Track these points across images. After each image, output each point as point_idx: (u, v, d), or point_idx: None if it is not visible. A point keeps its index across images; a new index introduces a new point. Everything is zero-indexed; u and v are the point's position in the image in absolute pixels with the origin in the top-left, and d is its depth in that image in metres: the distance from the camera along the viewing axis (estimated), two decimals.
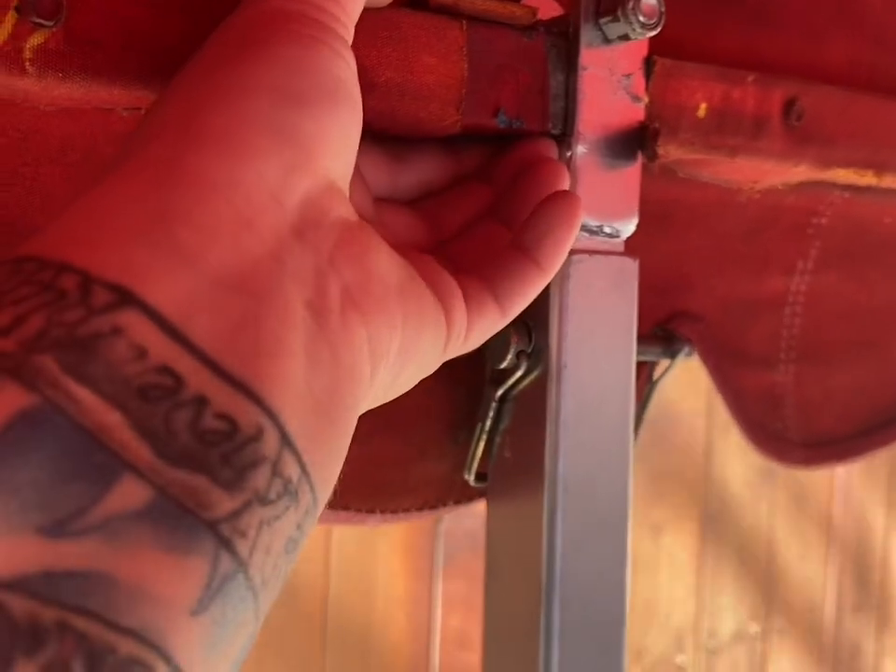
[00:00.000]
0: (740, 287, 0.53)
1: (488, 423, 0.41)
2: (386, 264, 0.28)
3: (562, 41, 0.38)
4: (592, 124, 0.39)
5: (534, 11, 0.37)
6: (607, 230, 0.40)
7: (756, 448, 0.55)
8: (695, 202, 0.49)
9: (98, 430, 0.20)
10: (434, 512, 0.43)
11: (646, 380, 0.46)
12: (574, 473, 0.40)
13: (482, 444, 0.42)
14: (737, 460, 1.56)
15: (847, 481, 1.72)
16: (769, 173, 0.46)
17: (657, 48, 0.40)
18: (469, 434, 0.43)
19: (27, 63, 0.27)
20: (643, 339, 0.44)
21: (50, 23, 0.27)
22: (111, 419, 0.20)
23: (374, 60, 0.33)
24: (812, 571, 1.70)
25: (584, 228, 0.39)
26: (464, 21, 0.35)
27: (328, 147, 0.27)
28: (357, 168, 0.32)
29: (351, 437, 0.27)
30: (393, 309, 0.28)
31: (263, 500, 0.22)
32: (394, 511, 0.42)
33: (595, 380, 0.40)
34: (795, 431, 0.57)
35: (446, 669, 1.30)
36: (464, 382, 0.43)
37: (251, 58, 0.27)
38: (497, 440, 0.42)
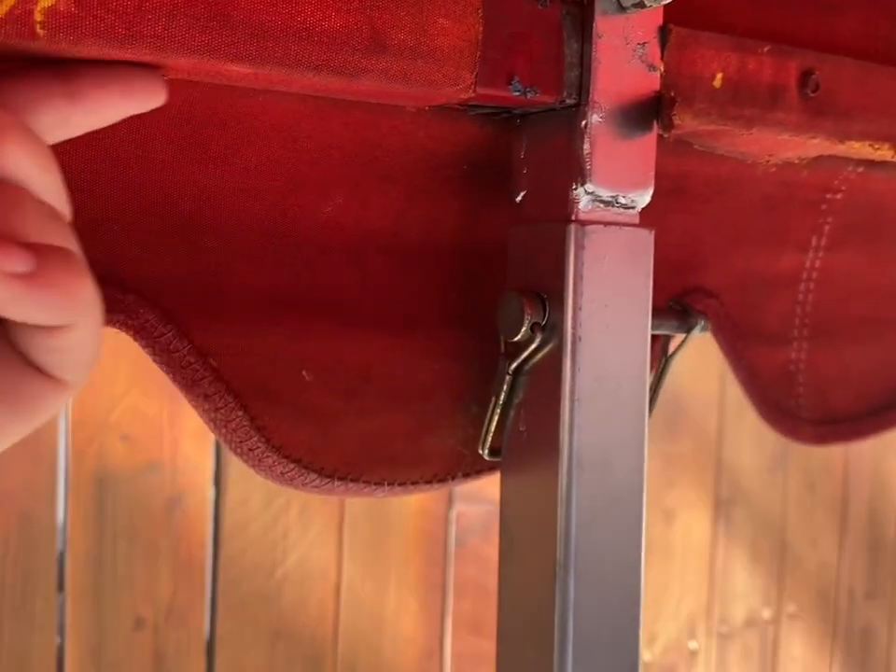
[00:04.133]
0: (755, 264, 0.53)
1: (502, 397, 0.41)
2: None
3: (577, 9, 0.38)
4: (607, 93, 0.38)
5: None
6: (622, 200, 0.40)
7: (769, 425, 0.55)
8: (711, 175, 0.49)
9: None
10: (443, 485, 0.43)
11: (660, 354, 0.46)
12: (589, 448, 0.39)
13: (495, 418, 0.41)
14: (750, 446, 1.56)
15: (860, 466, 1.71)
16: (785, 145, 0.45)
17: (672, 17, 0.40)
18: (480, 408, 0.42)
19: (38, 27, 0.27)
20: (658, 312, 0.44)
21: None
22: None
23: (387, 22, 0.33)
24: (825, 557, 1.69)
25: (599, 199, 0.39)
26: None
27: None
28: None
29: None
30: None
31: None
32: (402, 484, 0.41)
33: (610, 353, 0.40)
34: (808, 409, 0.56)
35: (459, 654, 1.31)
36: (476, 355, 0.43)
37: None
38: (511, 414, 0.41)
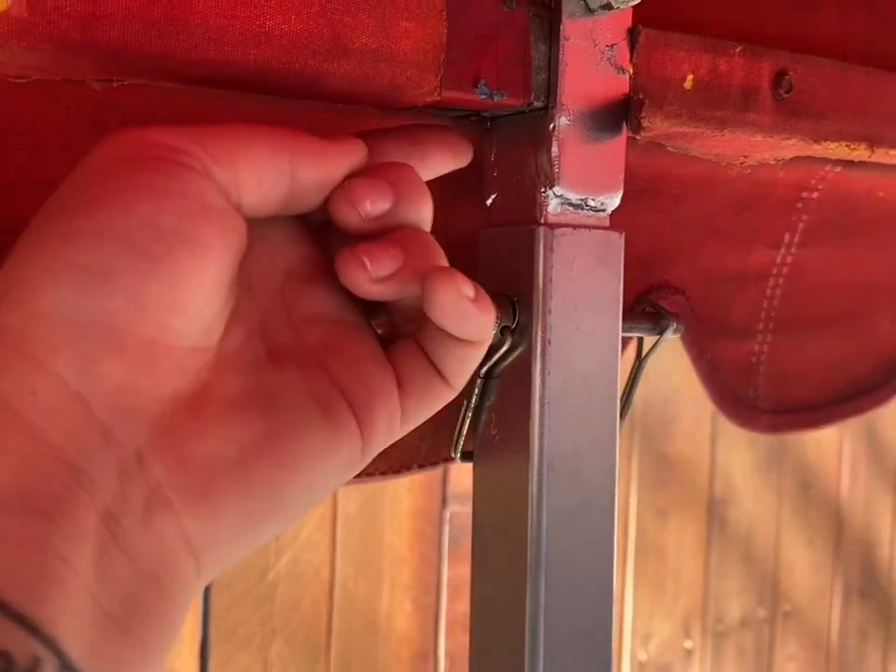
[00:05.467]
0: (725, 261, 0.53)
1: (474, 400, 0.41)
2: (217, 440, 0.27)
3: (544, 11, 0.38)
4: (575, 96, 0.38)
5: None
6: (591, 203, 0.39)
7: (724, 414, 0.55)
8: (684, 176, 0.49)
9: None
10: (397, 476, 0.44)
11: (635, 356, 0.46)
12: (560, 450, 0.39)
13: (467, 422, 0.41)
14: (744, 445, 1.55)
15: (854, 466, 1.71)
16: (759, 147, 0.45)
17: (642, 18, 0.40)
18: (445, 408, 0.43)
19: None
20: (630, 315, 0.44)
21: None
22: None
23: (348, 24, 0.32)
24: (819, 556, 1.69)
25: (568, 202, 0.39)
26: None
27: (149, 316, 0.26)
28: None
29: (170, 633, 0.26)
30: (221, 492, 0.27)
31: None
32: (357, 476, 0.42)
33: (580, 356, 0.39)
34: (765, 399, 0.57)
35: (453, 654, 1.31)
36: None
37: (63, 228, 0.26)
38: (483, 417, 0.41)
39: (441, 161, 0.37)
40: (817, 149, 0.46)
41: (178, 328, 0.27)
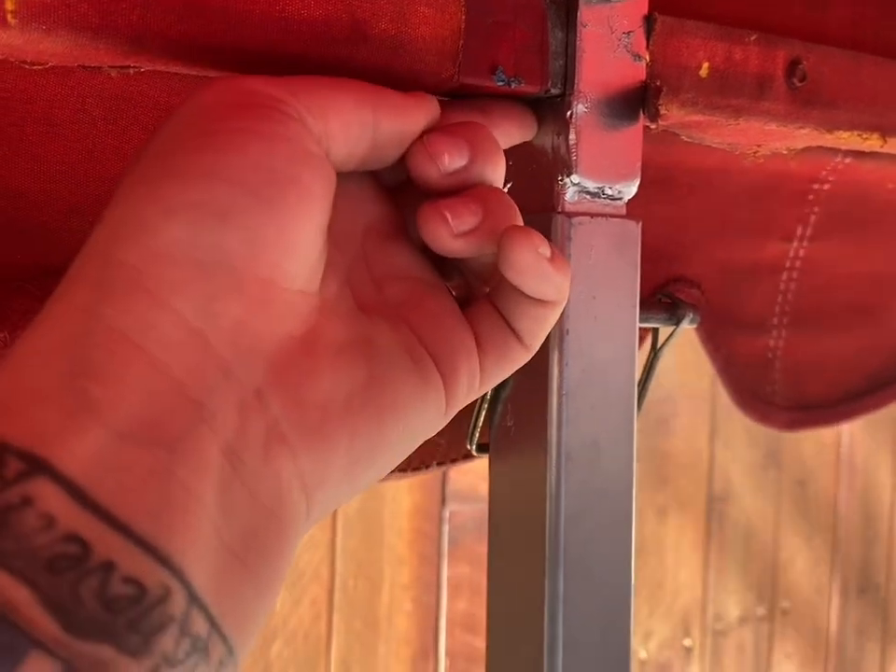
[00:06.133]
0: (739, 253, 0.52)
1: (489, 391, 0.41)
2: (329, 382, 0.28)
3: None
4: (592, 83, 0.38)
5: None
6: (608, 191, 0.39)
7: (742, 411, 0.55)
8: (697, 166, 0.49)
9: (6, 608, 0.21)
10: (416, 474, 0.43)
11: (649, 347, 0.45)
12: (577, 442, 0.39)
13: (483, 414, 0.41)
14: (742, 443, 1.55)
15: (852, 463, 1.71)
16: (773, 136, 0.45)
17: (657, 6, 0.40)
18: None
19: (9, 15, 0.27)
20: (646, 305, 0.44)
21: None
22: (19, 595, 0.21)
23: (368, 11, 0.32)
24: (818, 553, 1.69)
25: (585, 190, 0.39)
26: None
27: (265, 256, 0.27)
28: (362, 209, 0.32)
29: (283, 571, 0.26)
30: (334, 433, 0.28)
31: (172, 662, 0.23)
32: None
33: (597, 346, 0.39)
34: (782, 395, 0.56)
35: (453, 654, 1.30)
36: None
37: (173, 169, 0.26)
38: (499, 408, 0.41)
39: (509, 131, 0.37)
40: (829, 139, 0.46)
41: (289, 269, 0.27)
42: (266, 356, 0.27)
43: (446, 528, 1.28)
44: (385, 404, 0.29)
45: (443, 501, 1.28)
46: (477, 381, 0.32)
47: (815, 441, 1.64)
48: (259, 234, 0.26)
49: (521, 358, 0.33)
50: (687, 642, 1.55)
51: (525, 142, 0.40)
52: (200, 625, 0.23)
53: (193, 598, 0.23)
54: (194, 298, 0.25)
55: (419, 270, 0.33)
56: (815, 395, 0.60)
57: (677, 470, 1.50)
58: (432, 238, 0.31)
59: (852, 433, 1.69)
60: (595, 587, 0.39)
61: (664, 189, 0.49)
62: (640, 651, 1.50)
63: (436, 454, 0.45)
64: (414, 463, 0.44)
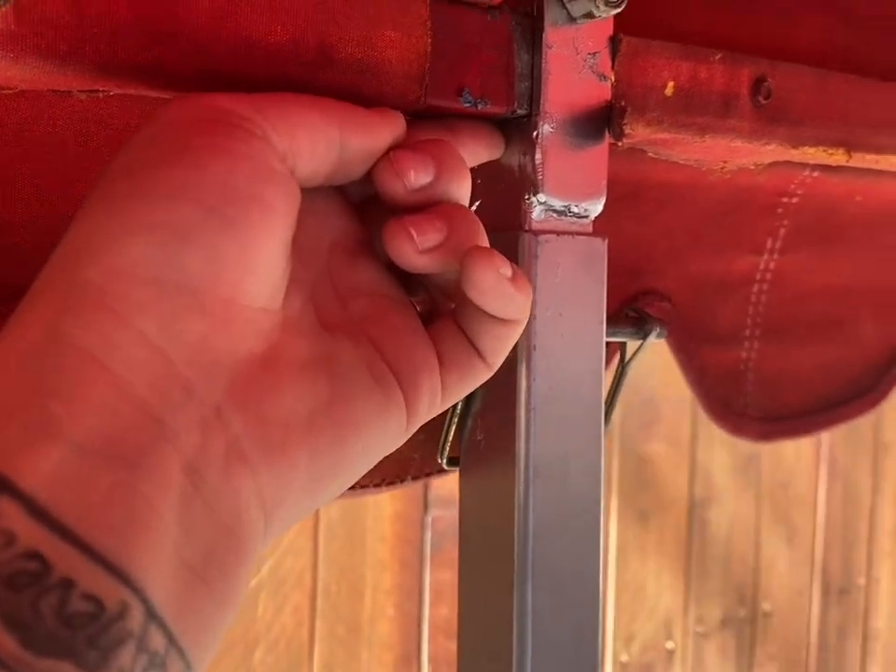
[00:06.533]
0: (709, 267, 0.53)
1: (459, 406, 0.41)
2: (291, 399, 0.28)
3: (527, 20, 0.38)
4: (558, 103, 0.39)
5: None
6: (574, 209, 0.40)
7: (716, 422, 0.56)
8: (665, 182, 0.49)
9: None
10: (392, 488, 0.44)
11: (618, 361, 0.46)
12: (545, 455, 0.39)
13: (453, 428, 0.41)
14: (723, 446, 1.56)
15: (832, 465, 1.72)
16: (739, 152, 0.46)
17: (624, 26, 0.40)
18: (437, 417, 0.43)
19: None
20: (614, 319, 0.44)
21: (1, 1, 0.27)
22: None
23: (334, 37, 0.33)
24: (799, 555, 1.70)
25: (551, 208, 0.39)
26: None
27: (227, 275, 0.27)
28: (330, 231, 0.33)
29: (242, 587, 0.27)
30: (295, 451, 0.28)
31: None
32: (351, 488, 0.42)
33: (565, 361, 0.40)
34: (755, 407, 0.57)
35: (436, 659, 1.31)
36: None
37: (137, 188, 0.26)
38: (469, 423, 0.42)
39: (476, 150, 0.38)
40: (795, 154, 0.46)
41: (251, 288, 0.28)
42: (228, 374, 0.27)
43: (428, 534, 1.29)
44: (346, 422, 0.29)
45: (426, 507, 1.29)
46: (438, 398, 0.32)
47: (795, 444, 1.65)
48: (222, 253, 0.27)
49: (482, 376, 0.33)
50: (669, 645, 1.56)
51: (493, 160, 0.40)
52: (158, 641, 0.24)
53: (151, 614, 0.24)
54: (157, 317, 0.26)
55: (384, 285, 0.33)
56: (788, 406, 0.61)
57: (658, 474, 1.51)
58: (397, 254, 0.32)
59: (832, 435, 1.70)
60: (564, 599, 0.40)
61: (633, 205, 0.50)
62: (622, 654, 1.51)
63: (410, 468, 0.46)
64: (389, 477, 0.45)
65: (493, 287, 0.31)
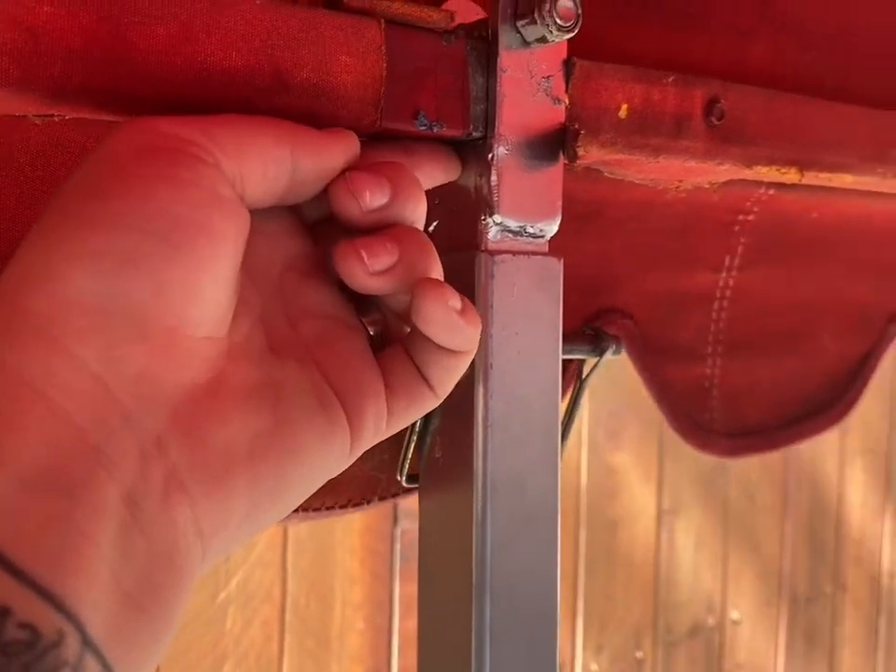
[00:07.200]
0: (669, 284, 0.54)
1: (418, 424, 0.42)
2: (233, 428, 0.28)
3: (481, 44, 0.39)
4: (512, 126, 0.39)
5: (451, 15, 0.37)
6: (530, 230, 0.40)
7: (683, 438, 0.56)
8: (623, 201, 0.50)
9: None
10: (358, 509, 0.44)
11: (575, 377, 0.47)
12: (503, 472, 0.40)
13: (412, 446, 0.42)
14: (691, 455, 1.58)
15: (799, 472, 1.74)
16: (693, 171, 0.46)
17: (578, 50, 0.41)
18: (396, 434, 0.43)
19: None
20: (571, 337, 0.45)
21: None
22: None
23: (289, 62, 0.33)
24: (766, 563, 1.72)
25: (507, 229, 0.40)
26: (382, 21, 0.35)
27: (171, 303, 0.27)
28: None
29: (178, 613, 0.27)
30: (234, 479, 0.28)
31: None
32: (317, 509, 0.42)
33: (522, 379, 0.40)
34: (721, 423, 0.58)
35: None
36: None
37: (82, 216, 0.27)
38: (428, 440, 0.42)
39: (432, 172, 0.38)
40: (749, 174, 0.47)
41: (196, 316, 0.28)
42: (169, 403, 0.27)
43: (398, 546, 1.29)
44: (288, 448, 0.29)
45: (395, 520, 1.29)
46: (384, 423, 0.32)
47: (760, 455, 1.67)
48: (166, 282, 0.27)
49: (429, 404, 0.34)
50: (639, 654, 1.57)
51: (450, 182, 0.41)
52: (93, 668, 0.24)
53: (87, 642, 0.24)
54: (98, 346, 0.26)
55: (335, 308, 0.33)
56: (754, 421, 0.61)
57: (627, 483, 1.52)
58: (347, 275, 0.32)
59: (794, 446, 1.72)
60: (522, 613, 0.40)
61: (594, 223, 0.50)
62: (592, 663, 1.51)
63: (376, 488, 0.46)
64: (356, 498, 0.45)
65: (441, 319, 0.31)
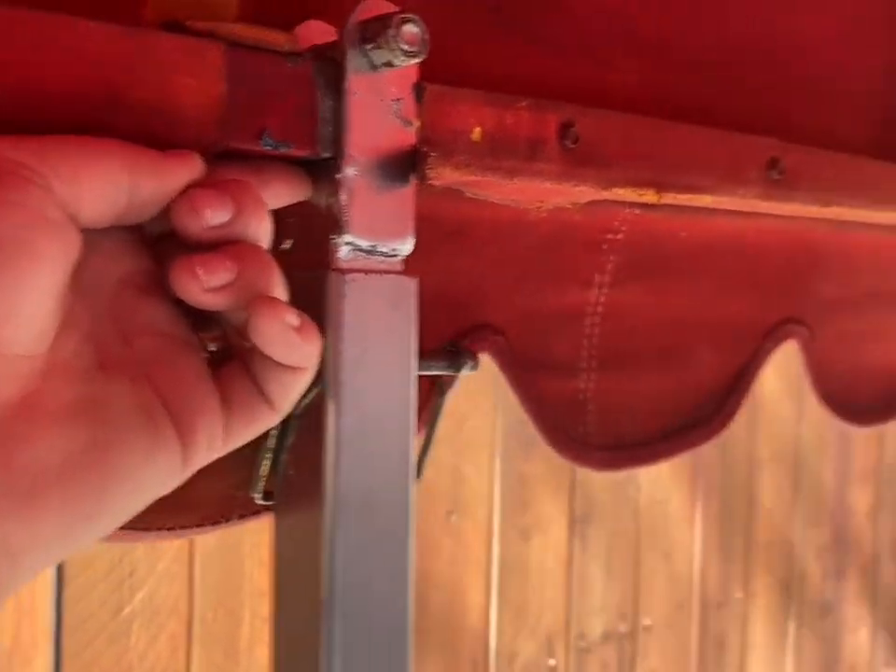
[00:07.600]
0: (540, 301, 0.55)
1: (272, 441, 0.42)
2: (43, 448, 0.28)
3: (330, 67, 0.39)
4: (362, 147, 0.40)
5: (295, 39, 0.37)
6: (382, 249, 0.41)
7: (556, 451, 0.57)
8: (490, 219, 0.51)
9: None
10: (216, 528, 0.44)
11: (436, 394, 0.47)
12: (354, 489, 0.40)
13: (266, 463, 0.42)
14: None
15: (709, 478, 1.77)
16: (552, 193, 0.47)
17: (431, 73, 0.42)
18: (254, 451, 0.43)
19: None
20: (429, 354, 0.45)
21: None
22: None
23: (124, 82, 0.33)
24: (678, 569, 1.75)
25: (358, 248, 0.40)
26: (223, 44, 0.36)
27: None
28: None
29: None
30: (43, 498, 0.28)
31: None
32: (171, 529, 0.42)
33: (373, 397, 0.41)
34: (596, 436, 0.59)
35: None
36: None
37: None
38: (283, 457, 0.42)
39: (279, 191, 0.39)
40: (607, 195, 0.49)
41: (11, 335, 0.28)
42: None
43: None
44: (106, 466, 0.29)
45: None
46: (219, 441, 0.33)
47: (671, 463, 1.70)
48: None
49: (268, 420, 0.34)
50: (552, 662, 1.58)
51: (305, 201, 0.41)
52: None
53: None
54: None
55: (172, 325, 0.33)
56: (628, 435, 0.63)
57: (539, 492, 1.54)
58: (182, 291, 0.32)
59: (704, 454, 1.75)
60: (373, 630, 0.41)
61: (461, 241, 0.51)
62: None
63: (234, 506, 0.46)
64: (213, 517, 0.45)
65: (277, 335, 0.32)
